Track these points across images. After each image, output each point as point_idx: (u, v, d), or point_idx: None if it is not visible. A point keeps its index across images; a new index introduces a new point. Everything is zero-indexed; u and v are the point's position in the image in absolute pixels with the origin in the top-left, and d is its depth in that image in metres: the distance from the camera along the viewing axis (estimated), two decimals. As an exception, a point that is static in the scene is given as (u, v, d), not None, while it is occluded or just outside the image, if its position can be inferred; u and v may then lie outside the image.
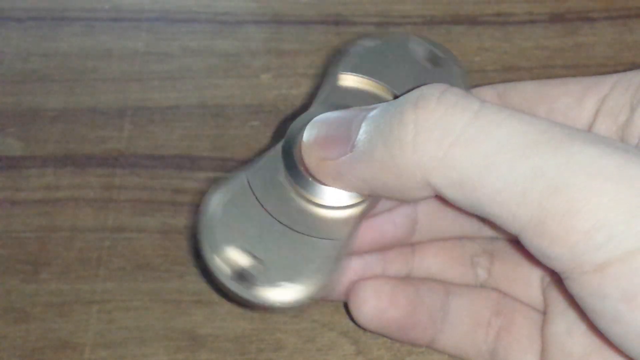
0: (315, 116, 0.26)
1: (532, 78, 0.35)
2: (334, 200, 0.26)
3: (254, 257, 0.26)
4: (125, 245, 0.34)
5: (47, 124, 0.36)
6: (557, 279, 0.25)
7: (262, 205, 0.26)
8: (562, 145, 0.21)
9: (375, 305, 0.28)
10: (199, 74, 0.38)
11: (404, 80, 0.29)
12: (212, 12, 0.39)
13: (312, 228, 0.26)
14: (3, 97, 0.37)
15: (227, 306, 0.32)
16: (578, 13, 0.39)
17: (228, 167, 0.35)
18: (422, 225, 0.29)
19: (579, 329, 0.26)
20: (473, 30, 0.39)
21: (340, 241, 0.26)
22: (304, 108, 0.30)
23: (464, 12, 0.39)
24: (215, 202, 0.26)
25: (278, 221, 0.26)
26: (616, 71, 0.27)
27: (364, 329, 0.30)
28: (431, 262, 0.30)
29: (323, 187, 0.26)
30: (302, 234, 0.26)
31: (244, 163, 0.35)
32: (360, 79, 0.29)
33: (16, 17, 0.39)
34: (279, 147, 0.27)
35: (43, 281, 0.33)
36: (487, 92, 0.29)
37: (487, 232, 0.29)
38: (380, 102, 0.25)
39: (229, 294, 0.25)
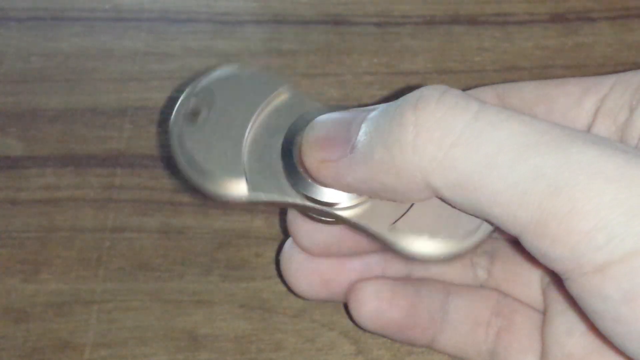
0: (315, 117, 0.26)
1: (532, 78, 0.35)
2: (333, 202, 0.26)
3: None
4: (125, 245, 0.34)
5: (47, 124, 0.36)
6: (556, 279, 0.25)
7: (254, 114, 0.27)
8: (561, 146, 0.21)
9: (375, 305, 0.28)
10: (199, 74, 0.38)
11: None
12: (212, 12, 0.39)
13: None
14: (3, 97, 0.37)
15: (227, 306, 0.32)
16: (578, 13, 0.39)
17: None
18: (422, 225, 0.29)
19: (579, 330, 0.26)
20: (473, 30, 0.39)
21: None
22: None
23: (464, 12, 0.39)
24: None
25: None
26: (616, 71, 0.27)
27: (364, 330, 0.30)
28: (431, 262, 0.30)
29: (322, 188, 0.26)
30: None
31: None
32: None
33: (16, 17, 0.39)
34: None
35: (43, 281, 0.33)
36: (486, 92, 0.29)
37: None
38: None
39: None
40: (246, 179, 0.26)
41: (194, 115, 0.27)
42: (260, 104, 0.27)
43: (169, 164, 0.33)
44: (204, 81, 0.28)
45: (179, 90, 0.28)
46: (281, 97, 0.28)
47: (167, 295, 0.33)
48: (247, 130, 0.27)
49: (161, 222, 0.34)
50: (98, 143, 0.36)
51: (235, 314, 0.32)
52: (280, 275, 0.31)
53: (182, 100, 0.27)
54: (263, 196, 0.26)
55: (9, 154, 0.36)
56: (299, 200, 0.26)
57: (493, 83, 0.29)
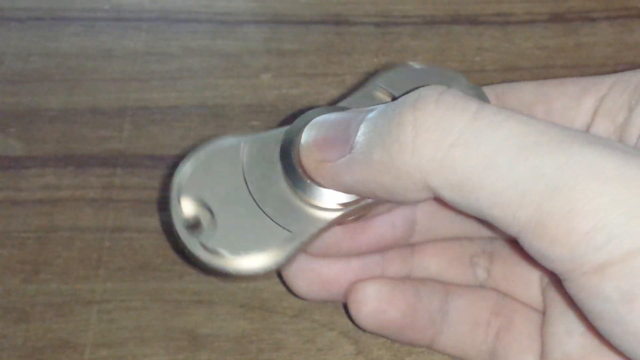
0: (314, 117, 0.26)
1: (532, 78, 0.35)
2: (332, 202, 0.26)
3: (212, 214, 0.26)
4: (125, 245, 0.34)
5: (47, 124, 0.36)
6: (556, 279, 0.25)
7: (243, 176, 0.27)
8: (561, 146, 0.21)
9: (375, 306, 0.28)
10: (199, 74, 0.38)
11: None
12: (212, 12, 0.39)
13: (284, 218, 0.26)
14: (3, 97, 0.37)
15: (227, 306, 0.32)
16: (578, 13, 0.39)
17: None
18: (421, 226, 0.29)
19: (578, 330, 0.26)
20: (473, 30, 0.39)
21: (300, 237, 0.26)
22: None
23: (464, 12, 0.39)
24: (203, 151, 0.27)
25: (251, 196, 0.27)
26: (616, 71, 0.27)
27: (364, 330, 0.30)
28: (430, 262, 0.30)
29: (321, 188, 0.26)
30: (269, 217, 0.26)
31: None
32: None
33: (16, 17, 0.39)
34: (283, 129, 0.27)
35: (43, 281, 0.33)
36: (485, 92, 0.28)
37: (486, 232, 0.29)
38: None
39: (175, 240, 0.26)
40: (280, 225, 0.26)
41: (195, 225, 0.26)
42: (240, 165, 0.27)
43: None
44: (179, 193, 0.27)
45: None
46: (246, 148, 0.28)
47: (167, 295, 0.33)
48: (249, 192, 0.27)
49: (162, 222, 0.34)
50: (98, 143, 0.36)
51: (235, 314, 0.32)
52: (280, 275, 0.31)
53: (175, 220, 0.27)
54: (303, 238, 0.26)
55: (9, 154, 0.36)
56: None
57: (493, 83, 0.29)
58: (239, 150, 0.27)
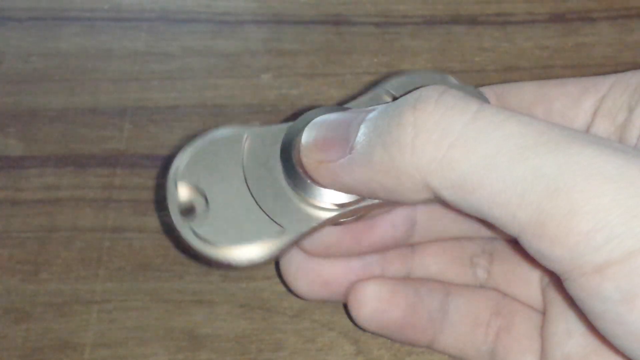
0: (315, 117, 0.26)
1: (532, 78, 0.35)
2: (332, 202, 0.26)
3: (206, 201, 0.26)
4: (125, 245, 0.34)
5: (47, 124, 0.36)
6: (556, 279, 0.25)
7: (242, 168, 0.27)
8: (560, 147, 0.21)
9: (375, 306, 0.28)
10: (199, 74, 0.38)
11: None
12: (212, 12, 0.39)
13: (279, 214, 0.26)
14: (3, 97, 0.37)
15: (227, 306, 0.32)
16: (578, 13, 0.39)
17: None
18: (421, 226, 0.29)
19: (579, 330, 0.26)
20: (473, 30, 0.39)
21: (292, 233, 0.26)
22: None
23: (464, 12, 0.39)
24: (203, 140, 0.27)
25: (248, 189, 0.27)
26: (616, 71, 0.27)
27: (364, 330, 0.30)
28: (430, 262, 0.30)
29: (321, 189, 0.26)
30: (264, 211, 0.26)
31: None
32: None
33: (16, 17, 0.39)
34: (286, 125, 0.27)
35: (43, 281, 0.33)
36: (485, 92, 0.28)
37: (486, 232, 0.29)
38: None
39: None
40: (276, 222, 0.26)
41: (189, 211, 0.27)
42: (240, 156, 0.27)
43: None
44: (178, 174, 0.27)
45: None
46: (248, 140, 0.28)
47: (167, 295, 0.33)
48: (246, 184, 0.27)
49: (161, 222, 0.34)
50: (98, 143, 0.36)
51: (236, 314, 0.32)
52: (280, 275, 0.31)
53: (170, 203, 0.27)
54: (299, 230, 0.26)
55: (9, 154, 0.36)
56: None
57: (493, 83, 0.29)
58: (240, 142, 0.27)
